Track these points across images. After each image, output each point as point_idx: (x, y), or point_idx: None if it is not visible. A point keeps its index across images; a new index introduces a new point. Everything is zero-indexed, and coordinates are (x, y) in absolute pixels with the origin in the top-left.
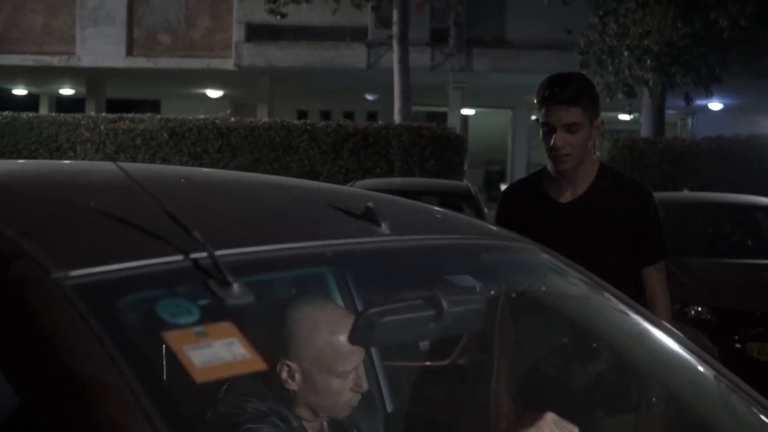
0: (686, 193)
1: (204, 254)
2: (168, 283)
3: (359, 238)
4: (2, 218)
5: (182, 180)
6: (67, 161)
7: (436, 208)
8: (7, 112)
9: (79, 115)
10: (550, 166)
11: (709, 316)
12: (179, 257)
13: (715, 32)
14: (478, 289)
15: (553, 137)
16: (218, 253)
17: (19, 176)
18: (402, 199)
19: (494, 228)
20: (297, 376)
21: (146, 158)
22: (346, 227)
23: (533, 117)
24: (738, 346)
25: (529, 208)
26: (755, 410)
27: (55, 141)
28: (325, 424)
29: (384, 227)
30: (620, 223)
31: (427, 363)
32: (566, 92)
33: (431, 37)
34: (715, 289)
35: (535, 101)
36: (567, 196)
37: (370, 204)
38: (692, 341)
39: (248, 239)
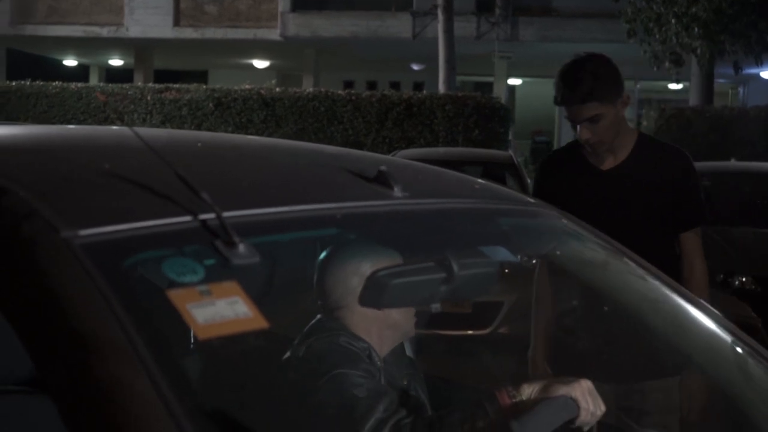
0: (733, 163)
1: (212, 215)
2: (175, 243)
3: (370, 201)
4: (14, 178)
5: (198, 144)
6: (82, 126)
7: (454, 172)
8: (57, 83)
9: (126, 86)
10: None
11: (753, 287)
12: (187, 218)
13: None
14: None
15: (578, 130)
16: (226, 214)
17: (33, 139)
18: (418, 164)
19: (513, 193)
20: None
21: (192, 128)
22: (358, 190)
23: None
24: None
25: (570, 175)
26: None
27: (103, 111)
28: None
29: (397, 191)
30: (661, 190)
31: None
32: (576, 94)
33: (477, 6)
34: (759, 259)
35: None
36: (608, 163)
37: (383, 168)
38: (732, 310)
39: (257, 201)
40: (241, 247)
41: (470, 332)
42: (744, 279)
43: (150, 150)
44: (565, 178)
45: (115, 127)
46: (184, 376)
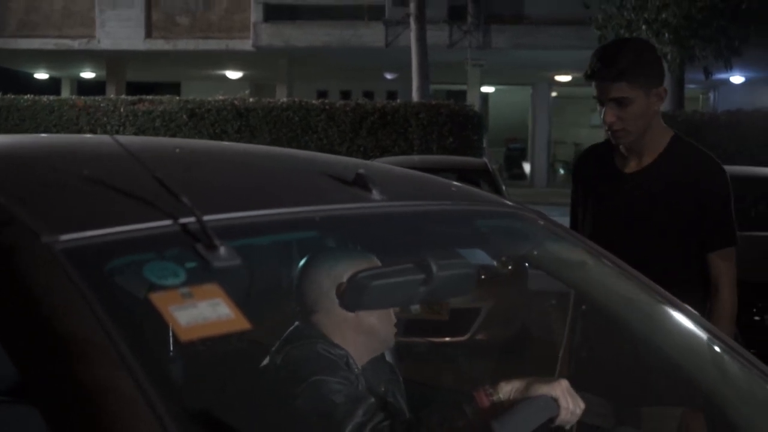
0: None
1: (192, 219)
2: (156, 247)
3: (349, 203)
4: None
5: (177, 150)
6: (63, 134)
7: (431, 176)
8: (28, 96)
9: (99, 98)
10: None
11: None
12: (167, 222)
13: (734, 4)
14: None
15: (603, 112)
16: (206, 218)
17: (12, 147)
18: (397, 168)
19: (490, 195)
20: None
21: None
22: (336, 193)
23: (553, 94)
24: (757, 318)
25: (596, 176)
26: (749, 372)
27: (76, 124)
28: (360, 375)
29: (375, 193)
30: (683, 197)
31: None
32: (608, 69)
33: (449, 14)
34: (739, 262)
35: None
36: (632, 166)
37: (361, 171)
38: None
39: (237, 205)
40: (222, 250)
41: (448, 339)
42: None
43: (130, 156)
44: (592, 179)
45: (95, 135)
46: (167, 378)
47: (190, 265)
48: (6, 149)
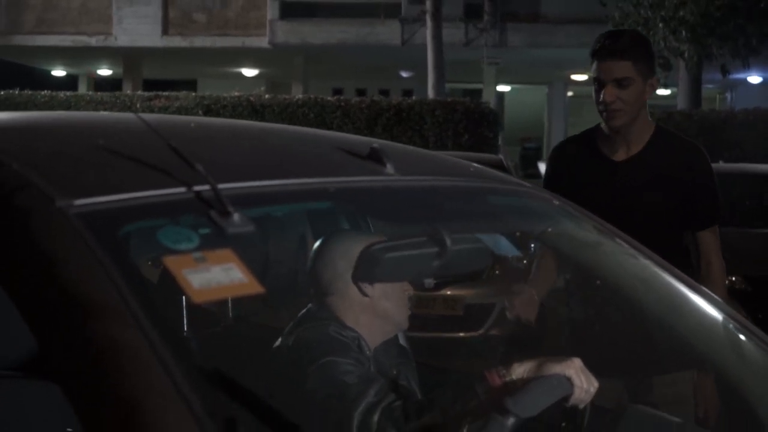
0: (722, 165)
1: (206, 187)
2: (170, 213)
3: (363, 176)
4: (11, 153)
5: (192, 124)
6: (87, 112)
7: (446, 155)
8: (45, 92)
9: (116, 93)
10: (603, 124)
11: (743, 286)
12: (182, 189)
13: (752, 2)
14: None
15: (603, 92)
16: (220, 186)
17: (31, 120)
18: (410, 147)
19: (506, 175)
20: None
21: None
22: (351, 166)
23: (569, 93)
24: None
25: (581, 164)
26: (765, 353)
27: None
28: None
29: (389, 167)
30: (674, 184)
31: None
32: (616, 45)
33: (465, 12)
34: (750, 259)
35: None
36: (621, 155)
37: (375, 145)
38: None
39: (251, 174)
40: (236, 217)
41: (462, 334)
42: (734, 278)
43: (146, 126)
44: (577, 167)
45: (118, 113)
46: (182, 342)
47: (204, 231)
48: (24, 121)
